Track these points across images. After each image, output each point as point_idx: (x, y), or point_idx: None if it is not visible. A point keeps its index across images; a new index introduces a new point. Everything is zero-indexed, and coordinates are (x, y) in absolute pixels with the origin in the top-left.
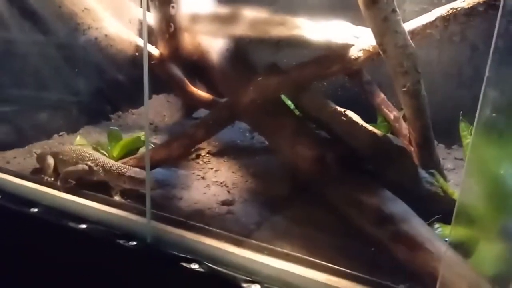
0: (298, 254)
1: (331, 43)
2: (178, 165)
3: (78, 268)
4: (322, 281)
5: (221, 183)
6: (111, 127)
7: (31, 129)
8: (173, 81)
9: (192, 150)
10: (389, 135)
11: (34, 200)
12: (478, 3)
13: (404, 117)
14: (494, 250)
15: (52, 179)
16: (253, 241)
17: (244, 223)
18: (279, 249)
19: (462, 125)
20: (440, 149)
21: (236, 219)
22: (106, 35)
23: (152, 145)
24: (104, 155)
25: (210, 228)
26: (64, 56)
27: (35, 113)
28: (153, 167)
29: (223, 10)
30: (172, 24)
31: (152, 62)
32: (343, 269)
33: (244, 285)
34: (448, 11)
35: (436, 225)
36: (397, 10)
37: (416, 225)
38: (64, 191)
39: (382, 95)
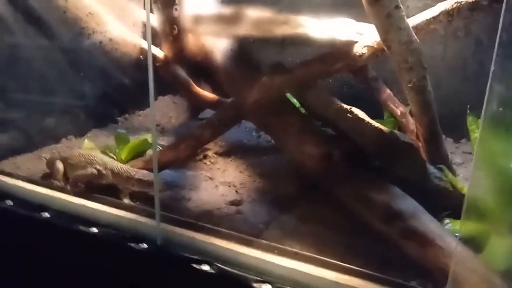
0: (308, 253)
1: (335, 40)
2: (186, 166)
3: (89, 272)
4: (333, 280)
5: (228, 183)
6: (119, 130)
7: (40, 133)
8: (178, 82)
9: (199, 150)
10: (396, 131)
11: (44, 204)
12: None
13: (410, 112)
14: (505, 244)
15: (62, 183)
16: (263, 241)
17: (253, 223)
18: (288, 248)
19: (470, 119)
20: (448, 143)
21: (245, 219)
22: (110, 39)
23: (160, 147)
24: (112, 158)
25: (220, 228)
26: (70, 60)
27: (43, 118)
28: (161, 169)
29: (226, 10)
30: (175, 26)
31: (157, 64)
32: (354, 267)
33: (255, 285)
34: (452, 6)
35: (446, 220)
36: (401, 6)
37: (426, 221)
38: (74, 195)
39: (388, 91)
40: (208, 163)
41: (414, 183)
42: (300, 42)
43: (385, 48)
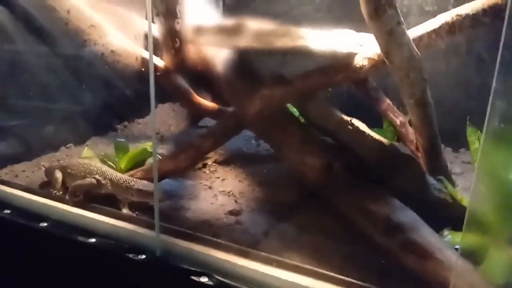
0: (307, 266)
1: (335, 52)
2: (185, 175)
3: (88, 282)
4: None
5: (228, 192)
6: (118, 139)
7: (39, 142)
8: (179, 92)
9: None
10: (396, 143)
11: (43, 214)
12: (483, 10)
13: (410, 122)
14: (504, 257)
15: (61, 193)
16: (262, 253)
17: (252, 234)
18: (288, 260)
19: (469, 130)
20: (448, 153)
21: (244, 230)
22: (112, 51)
23: (159, 156)
24: (112, 167)
25: (219, 240)
26: (70, 69)
27: (42, 126)
28: (160, 178)
29: (228, 22)
30: (177, 39)
31: (158, 73)
32: (353, 280)
33: None
34: (452, 18)
35: (446, 232)
36: (403, 22)
37: (426, 234)
38: (73, 205)
39: (388, 101)
40: (207, 171)
41: (414, 195)
42: (300, 53)
43: (387, 62)
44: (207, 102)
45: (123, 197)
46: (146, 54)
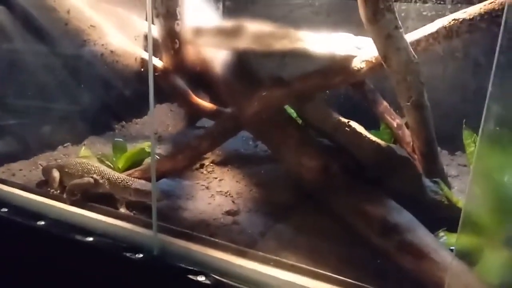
0: (304, 265)
1: (333, 55)
2: (183, 175)
3: (85, 281)
4: None
5: (225, 193)
6: (116, 139)
7: (36, 140)
8: (177, 92)
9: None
10: (392, 145)
11: (40, 213)
12: (479, 14)
13: (407, 124)
14: (499, 258)
15: (58, 192)
16: (259, 253)
17: (249, 234)
18: (285, 260)
19: (465, 133)
20: (444, 155)
21: (241, 230)
22: (112, 51)
23: (157, 156)
24: (109, 166)
25: (216, 240)
26: (68, 69)
27: (39, 125)
28: (158, 178)
29: (227, 24)
30: (177, 41)
31: (156, 74)
32: (350, 280)
33: None
34: (449, 22)
35: (441, 234)
36: (401, 26)
37: (421, 235)
38: (70, 204)
39: (385, 103)
40: (205, 172)
41: (410, 196)
42: (299, 56)
43: (384, 65)
44: (205, 103)
45: (121, 197)
46: (145, 55)
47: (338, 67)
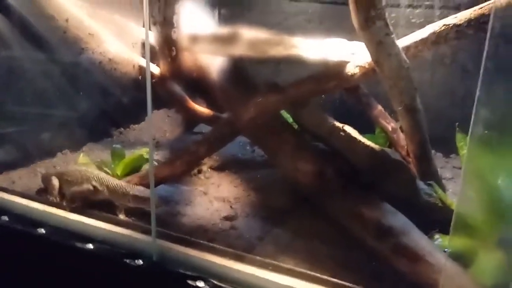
0: (301, 269)
1: (327, 60)
2: (181, 180)
3: None
4: None
5: (223, 198)
6: (114, 145)
7: (35, 148)
8: (174, 98)
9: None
10: (386, 149)
11: (40, 220)
12: (469, 20)
13: (401, 128)
14: (493, 260)
15: (58, 199)
16: (257, 257)
17: (247, 238)
18: (282, 264)
19: (459, 136)
20: (438, 158)
21: (239, 235)
22: (110, 59)
23: (155, 162)
24: (108, 173)
25: (215, 245)
26: (68, 78)
27: (38, 132)
28: (156, 184)
29: (224, 31)
30: (174, 48)
31: (153, 80)
32: (346, 283)
33: None
34: (440, 27)
35: (436, 236)
36: (392, 33)
37: (416, 238)
38: (70, 211)
39: (379, 107)
40: (202, 177)
41: (404, 200)
42: (294, 62)
43: (377, 70)
44: (202, 108)
45: (120, 203)
46: (143, 62)
47: (332, 72)
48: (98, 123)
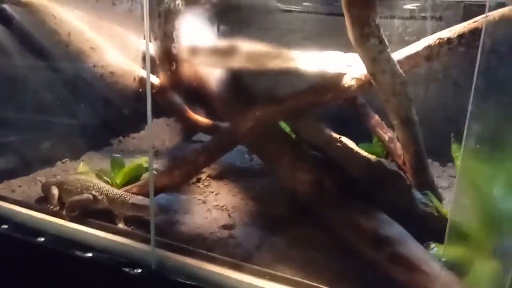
0: (299, 279)
1: (324, 73)
2: (179, 189)
3: None
4: None
5: (221, 207)
6: (114, 154)
7: (35, 157)
8: (174, 108)
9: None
10: (383, 159)
11: (40, 229)
12: (463, 34)
13: (398, 138)
14: (488, 269)
15: (58, 208)
16: (255, 266)
17: (245, 248)
18: (280, 273)
19: (454, 147)
20: (435, 167)
21: (238, 244)
22: (111, 72)
23: (155, 171)
24: (107, 182)
25: (213, 254)
26: (68, 89)
27: (39, 141)
28: (156, 193)
29: (223, 44)
30: (174, 63)
31: (153, 91)
32: None
33: None
34: (435, 41)
35: (432, 245)
36: (387, 49)
37: (412, 247)
38: (69, 220)
39: (376, 117)
40: (201, 186)
41: (400, 209)
42: (292, 74)
43: (373, 82)
44: (200, 118)
45: (119, 212)
46: (143, 73)
47: (329, 84)
48: (98, 132)
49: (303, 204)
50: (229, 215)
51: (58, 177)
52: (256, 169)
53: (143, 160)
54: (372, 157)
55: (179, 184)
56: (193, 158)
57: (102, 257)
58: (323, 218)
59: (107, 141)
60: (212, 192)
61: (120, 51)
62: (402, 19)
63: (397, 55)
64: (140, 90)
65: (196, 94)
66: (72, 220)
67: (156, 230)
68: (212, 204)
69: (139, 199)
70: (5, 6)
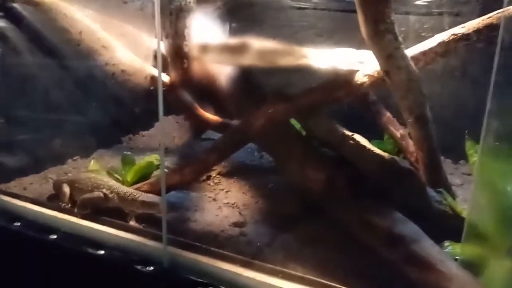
0: (311, 277)
1: (337, 69)
2: (190, 187)
3: None
4: None
5: (232, 204)
6: (125, 152)
7: (46, 155)
8: (184, 106)
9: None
10: (395, 157)
11: (52, 226)
12: (477, 30)
13: (410, 135)
14: (504, 268)
15: (69, 206)
16: (267, 264)
17: (257, 245)
18: (292, 271)
19: (468, 144)
20: (447, 164)
21: (249, 241)
22: (123, 70)
23: (166, 170)
24: (118, 180)
25: (225, 252)
26: (78, 87)
27: (50, 139)
28: (166, 191)
29: (235, 41)
30: (185, 60)
31: (164, 89)
32: None
33: None
34: (449, 37)
35: (447, 243)
36: (401, 46)
37: (427, 246)
38: (81, 218)
39: (388, 114)
40: (211, 184)
41: (414, 207)
42: (304, 71)
43: (386, 80)
44: (210, 116)
45: (129, 210)
46: (155, 71)
47: (341, 81)
48: (108, 130)
49: (315, 201)
50: (239, 213)
51: (69, 175)
52: (266, 166)
53: (153, 158)
54: (386, 155)
55: (189, 181)
56: (204, 157)
57: (114, 255)
58: (335, 216)
59: (118, 138)
60: (223, 189)
61: (131, 49)
62: (418, 15)
63: (411, 51)
64: (152, 88)
65: (207, 92)
66: (83, 217)
67: (168, 228)
68: (223, 202)
69: (148, 197)
70: (16, 5)
